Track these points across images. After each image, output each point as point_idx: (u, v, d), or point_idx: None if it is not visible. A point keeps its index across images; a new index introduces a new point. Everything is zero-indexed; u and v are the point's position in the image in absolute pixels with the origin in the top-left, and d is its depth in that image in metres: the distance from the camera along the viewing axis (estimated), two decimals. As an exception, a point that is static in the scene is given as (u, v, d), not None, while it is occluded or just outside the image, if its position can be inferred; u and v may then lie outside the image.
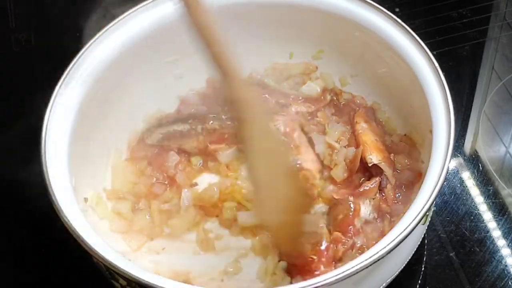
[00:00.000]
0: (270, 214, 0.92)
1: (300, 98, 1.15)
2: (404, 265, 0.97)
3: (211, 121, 1.13)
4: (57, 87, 0.99)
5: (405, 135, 1.10)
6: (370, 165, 1.04)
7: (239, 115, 0.88)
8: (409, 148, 1.07)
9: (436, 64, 0.98)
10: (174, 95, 1.18)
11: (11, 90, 1.30)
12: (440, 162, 0.89)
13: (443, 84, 0.96)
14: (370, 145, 1.07)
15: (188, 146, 1.13)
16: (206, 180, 1.11)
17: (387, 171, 1.04)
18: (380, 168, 1.04)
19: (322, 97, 1.16)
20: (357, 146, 1.08)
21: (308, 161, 1.08)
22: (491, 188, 1.16)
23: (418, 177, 1.02)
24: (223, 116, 1.13)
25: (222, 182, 1.09)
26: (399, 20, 1.03)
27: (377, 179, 1.04)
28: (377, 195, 1.03)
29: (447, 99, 0.95)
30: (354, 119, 1.11)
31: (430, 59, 0.99)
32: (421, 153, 1.05)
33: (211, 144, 1.12)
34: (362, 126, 1.10)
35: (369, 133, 1.09)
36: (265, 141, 0.90)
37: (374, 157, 1.05)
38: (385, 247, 0.82)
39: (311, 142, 1.11)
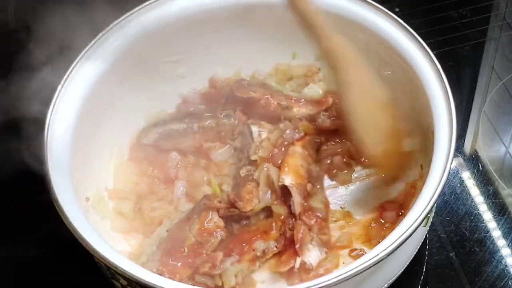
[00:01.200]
0: (373, 144, 1.00)
1: (302, 100, 1.15)
2: (405, 266, 0.97)
3: (208, 120, 1.13)
4: (58, 87, 0.99)
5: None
6: (280, 185, 1.03)
7: (335, 64, 0.98)
8: None
9: (438, 65, 0.98)
10: (176, 94, 1.18)
11: (11, 90, 1.30)
12: (441, 164, 0.89)
13: (445, 85, 0.96)
14: (290, 167, 1.05)
15: (184, 145, 1.12)
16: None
17: (296, 197, 1.01)
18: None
19: (324, 100, 1.15)
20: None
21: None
22: (491, 188, 1.16)
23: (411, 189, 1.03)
24: (220, 115, 1.13)
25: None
26: (401, 21, 1.03)
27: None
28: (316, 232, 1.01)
29: (448, 100, 0.95)
30: (293, 142, 1.09)
31: (432, 59, 0.99)
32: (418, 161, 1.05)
33: (205, 142, 1.12)
34: (294, 150, 1.08)
35: (297, 157, 1.07)
36: (360, 84, 0.99)
37: (287, 179, 1.03)
38: (386, 249, 0.82)
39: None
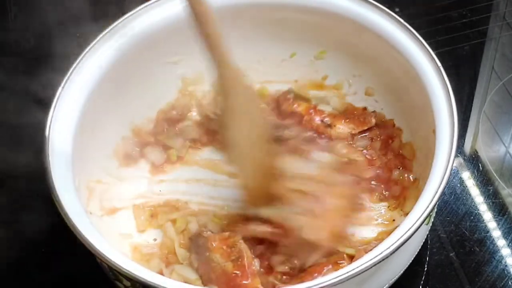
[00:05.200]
0: (247, 174, 0.97)
1: (343, 120, 1.12)
2: (407, 265, 0.97)
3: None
4: (59, 89, 0.98)
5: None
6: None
7: (227, 101, 0.92)
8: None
9: (439, 64, 0.98)
10: (176, 95, 1.18)
11: (11, 91, 1.30)
12: (444, 162, 0.89)
13: (446, 84, 0.96)
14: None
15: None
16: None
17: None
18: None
19: (367, 120, 1.12)
20: None
21: None
22: (491, 188, 1.16)
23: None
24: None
25: None
26: (402, 20, 1.03)
27: None
28: None
29: (450, 99, 0.95)
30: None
31: (433, 58, 0.99)
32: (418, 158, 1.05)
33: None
34: None
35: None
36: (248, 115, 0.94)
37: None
38: (389, 248, 0.82)
39: None
